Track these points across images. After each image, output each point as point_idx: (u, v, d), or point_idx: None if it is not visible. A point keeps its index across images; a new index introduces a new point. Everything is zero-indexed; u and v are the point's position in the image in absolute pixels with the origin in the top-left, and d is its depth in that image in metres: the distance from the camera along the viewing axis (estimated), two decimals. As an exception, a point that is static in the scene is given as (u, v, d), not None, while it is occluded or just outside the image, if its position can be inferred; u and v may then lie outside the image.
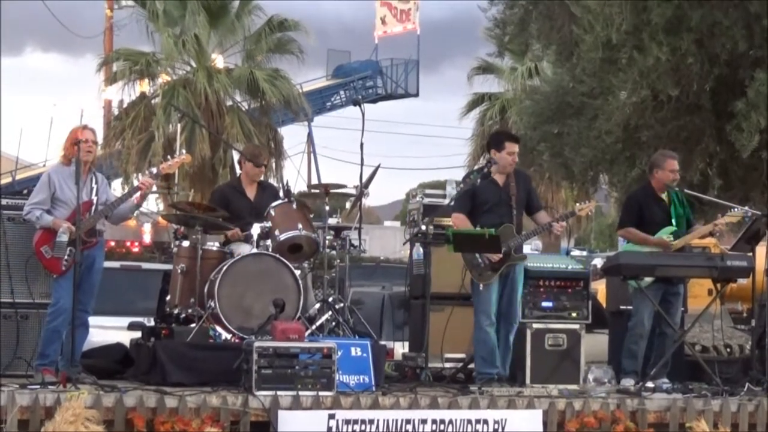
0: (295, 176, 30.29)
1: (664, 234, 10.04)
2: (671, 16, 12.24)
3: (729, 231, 14.11)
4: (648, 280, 9.93)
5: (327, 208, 10.26)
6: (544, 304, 9.96)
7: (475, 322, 9.56)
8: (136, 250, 22.38)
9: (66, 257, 8.82)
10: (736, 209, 10.29)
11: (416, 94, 39.82)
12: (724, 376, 10.00)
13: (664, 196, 10.16)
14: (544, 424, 8.73)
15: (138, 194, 9.30)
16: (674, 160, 10.21)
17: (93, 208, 9.05)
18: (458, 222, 9.62)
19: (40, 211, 8.96)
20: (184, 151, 10.35)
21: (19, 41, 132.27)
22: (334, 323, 9.93)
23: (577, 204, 9.90)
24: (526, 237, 9.63)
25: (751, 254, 10.05)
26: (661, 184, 10.13)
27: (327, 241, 10.16)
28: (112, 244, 20.27)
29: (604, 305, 12.21)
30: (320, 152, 36.00)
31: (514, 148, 9.73)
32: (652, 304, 9.83)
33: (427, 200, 10.66)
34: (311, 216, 10.21)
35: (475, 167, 10.11)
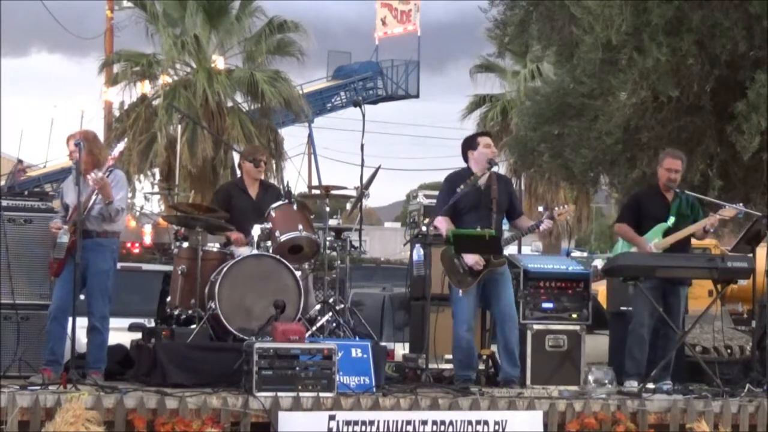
0: (295, 177, 30.30)
1: (659, 231, 10.01)
2: (671, 17, 12.22)
3: (727, 230, 14.10)
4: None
5: (327, 209, 10.25)
6: (545, 305, 9.98)
7: (453, 327, 9.56)
8: (136, 251, 22.37)
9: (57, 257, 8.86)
10: (729, 206, 10.25)
11: (416, 96, 39.86)
12: (725, 377, 9.99)
13: (668, 193, 10.15)
14: (545, 425, 8.72)
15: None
16: (673, 159, 10.14)
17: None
18: (439, 225, 9.58)
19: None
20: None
21: (25, 42, 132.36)
22: (334, 324, 9.93)
23: (557, 208, 9.88)
24: (505, 242, 9.59)
25: (751, 255, 10.04)
26: (661, 180, 10.13)
27: (327, 242, 10.16)
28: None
29: (605, 306, 12.22)
30: (321, 153, 36.09)
31: (488, 140, 9.78)
32: (650, 304, 9.82)
33: (427, 201, 10.68)
34: (312, 217, 10.21)
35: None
